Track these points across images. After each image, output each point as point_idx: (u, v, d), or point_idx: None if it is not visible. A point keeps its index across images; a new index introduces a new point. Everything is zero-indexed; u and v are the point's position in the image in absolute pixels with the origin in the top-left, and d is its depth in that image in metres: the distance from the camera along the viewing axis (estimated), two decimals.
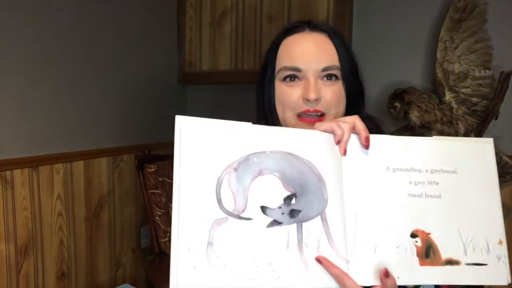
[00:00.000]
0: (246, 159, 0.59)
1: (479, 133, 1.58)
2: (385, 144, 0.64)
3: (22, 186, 1.54)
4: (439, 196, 0.63)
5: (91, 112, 1.80)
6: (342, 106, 0.74)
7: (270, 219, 0.57)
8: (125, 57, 1.96)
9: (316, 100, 0.70)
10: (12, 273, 1.52)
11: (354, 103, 0.76)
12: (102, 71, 1.84)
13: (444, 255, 0.61)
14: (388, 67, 1.94)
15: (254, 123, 0.63)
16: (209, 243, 0.55)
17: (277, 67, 0.74)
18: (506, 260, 0.63)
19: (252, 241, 0.56)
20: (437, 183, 0.63)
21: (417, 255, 0.60)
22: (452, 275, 0.61)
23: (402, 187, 0.62)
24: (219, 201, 0.56)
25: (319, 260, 0.57)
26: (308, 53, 0.71)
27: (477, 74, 1.64)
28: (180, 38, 2.30)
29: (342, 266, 0.58)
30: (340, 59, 0.72)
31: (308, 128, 0.66)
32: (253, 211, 0.57)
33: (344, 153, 0.62)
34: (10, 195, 1.50)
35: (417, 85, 1.81)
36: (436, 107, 1.65)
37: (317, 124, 0.65)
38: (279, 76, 0.74)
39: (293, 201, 0.59)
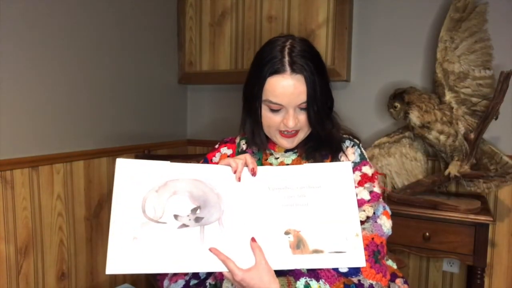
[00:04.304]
0: (165, 184, 0.85)
1: (479, 133, 1.58)
2: (267, 172, 0.90)
3: (22, 186, 1.54)
4: (306, 205, 0.86)
5: (91, 112, 1.80)
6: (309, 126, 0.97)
7: (180, 223, 0.83)
8: (125, 57, 1.96)
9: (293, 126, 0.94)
10: (12, 273, 1.52)
11: (318, 123, 0.95)
12: (102, 71, 1.84)
13: (311, 247, 0.83)
14: (388, 67, 1.94)
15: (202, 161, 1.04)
16: (135, 238, 0.81)
17: (264, 97, 0.92)
18: (361, 248, 0.83)
19: (166, 237, 0.82)
20: (304, 196, 0.87)
21: (290, 247, 0.83)
22: (318, 260, 0.82)
23: (278, 201, 0.87)
24: (143, 210, 0.83)
25: (210, 250, 0.82)
26: (289, 95, 0.90)
27: (477, 74, 1.63)
28: (180, 38, 2.31)
29: (231, 254, 0.81)
30: (307, 98, 0.91)
31: (286, 141, 0.95)
32: (168, 217, 0.83)
33: (239, 179, 0.88)
34: (10, 195, 1.50)
35: (417, 85, 1.81)
36: (436, 107, 1.65)
37: (220, 161, 0.92)
38: (265, 103, 0.93)
39: (198, 211, 0.84)
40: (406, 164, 1.82)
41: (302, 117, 0.93)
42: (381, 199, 0.97)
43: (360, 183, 0.95)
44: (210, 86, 2.37)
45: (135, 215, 0.82)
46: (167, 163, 0.87)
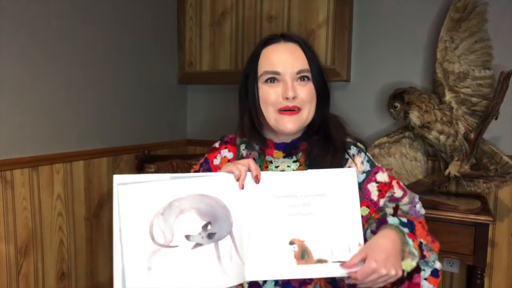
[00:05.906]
0: (170, 205, 0.80)
1: (479, 133, 1.58)
2: (271, 178, 0.86)
3: (22, 186, 1.54)
4: (311, 214, 0.84)
5: (91, 112, 1.80)
6: (313, 103, 0.90)
7: (193, 243, 0.79)
8: (125, 57, 1.96)
9: (294, 98, 0.86)
10: (12, 273, 1.52)
11: (322, 102, 0.92)
12: (102, 71, 1.84)
13: (315, 256, 0.82)
14: (388, 67, 1.94)
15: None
16: (149, 268, 0.76)
17: (259, 72, 0.88)
18: None
19: (182, 261, 0.78)
20: (309, 204, 0.85)
21: (295, 257, 0.82)
22: (322, 270, 0.82)
23: (283, 209, 0.84)
24: (152, 238, 0.78)
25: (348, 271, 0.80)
26: (285, 59, 0.86)
27: (477, 74, 1.63)
28: (180, 38, 2.30)
29: (241, 268, 0.80)
30: (309, 64, 0.88)
31: (287, 119, 0.87)
32: (179, 240, 0.78)
33: (242, 187, 0.83)
34: (10, 195, 1.50)
35: (417, 85, 1.81)
36: (436, 107, 1.65)
37: (222, 167, 0.86)
38: (261, 79, 0.88)
39: (209, 227, 0.80)
40: (406, 164, 1.82)
41: (302, 90, 0.87)
42: (409, 192, 0.95)
43: (381, 195, 0.91)
44: (210, 86, 2.37)
45: (144, 244, 0.77)
46: (167, 180, 0.82)
